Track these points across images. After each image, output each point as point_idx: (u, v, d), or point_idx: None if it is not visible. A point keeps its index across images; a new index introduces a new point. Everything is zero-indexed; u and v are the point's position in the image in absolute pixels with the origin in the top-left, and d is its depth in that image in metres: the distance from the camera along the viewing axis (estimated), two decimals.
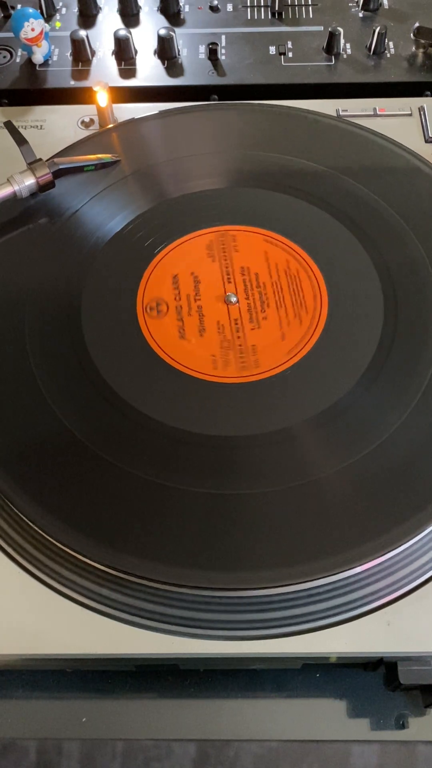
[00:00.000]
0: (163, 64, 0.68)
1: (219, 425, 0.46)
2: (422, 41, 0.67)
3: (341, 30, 0.67)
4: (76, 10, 0.72)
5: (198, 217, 0.55)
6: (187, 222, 0.55)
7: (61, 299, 0.51)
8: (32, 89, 0.67)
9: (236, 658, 0.42)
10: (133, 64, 0.68)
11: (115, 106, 0.63)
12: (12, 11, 0.69)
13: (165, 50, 0.68)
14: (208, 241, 0.54)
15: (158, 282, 0.52)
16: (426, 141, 0.61)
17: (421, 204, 0.55)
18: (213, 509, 0.43)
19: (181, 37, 0.69)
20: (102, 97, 0.61)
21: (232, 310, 0.51)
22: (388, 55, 0.68)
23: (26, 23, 0.64)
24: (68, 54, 0.68)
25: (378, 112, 0.63)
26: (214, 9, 0.71)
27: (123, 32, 0.67)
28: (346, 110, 0.63)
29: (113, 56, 0.68)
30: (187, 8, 0.72)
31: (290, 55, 0.68)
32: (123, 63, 0.68)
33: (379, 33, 0.66)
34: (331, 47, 0.67)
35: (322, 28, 0.69)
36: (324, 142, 0.59)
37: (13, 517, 0.46)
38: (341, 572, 0.41)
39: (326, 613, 0.42)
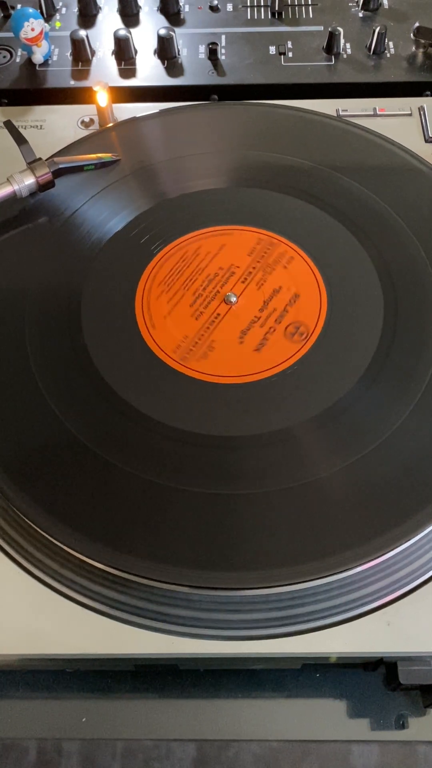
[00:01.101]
0: (163, 64, 0.68)
1: (219, 425, 0.46)
2: (422, 41, 0.67)
3: (341, 30, 0.67)
4: (76, 10, 0.72)
5: (197, 217, 0.55)
6: (187, 222, 0.55)
7: (61, 299, 0.51)
8: (32, 89, 0.67)
9: (236, 658, 0.42)
10: (133, 64, 0.68)
11: (115, 105, 0.63)
12: (12, 11, 0.69)
13: (165, 50, 0.68)
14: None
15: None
16: (426, 141, 0.61)
17: (420, 204, 0.55)
18: (213, 509, 0.43)
19: (181, 37, 0.69)
20: (102, 97, 0.61)
21: (226, 308, 0.51)
22: (388, 55, 0.68)
23: (26, 23, 0.64)
24: (68, 54, 0.68)
25: (378, 112, 0.63)
26: (214, 9, 0.71)
27: (123, 32, 0.67)
28: (346, 110, 0.63)
29: (113, 56, 0.68)
30: (187, 8, 0.72)
31: (290, 55, 0.68)
32: (123, 63, 0.68)
33: (379, 33, 0.66)
34: (331, 47, 0.67)
35: (322, 28, 0.69)
36: (324, 142, 0.59)
37: (14, 517, 0.46)
38: (341, 572, 0.41)
39: (326, 613, 0.42)
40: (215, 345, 0.49)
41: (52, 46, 0.69)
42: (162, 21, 0.71)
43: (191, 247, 0.54)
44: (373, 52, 0.68)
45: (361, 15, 0.71)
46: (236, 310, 0.51)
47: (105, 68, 0.68)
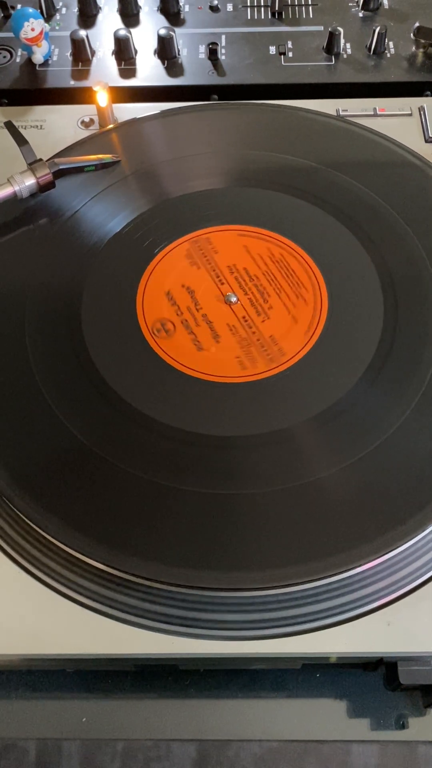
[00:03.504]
0: (163, 64, 0.68)
1: (219, 425, 0.46)
2: (422, 41, 0.67)
3: (341, 30, 0.67)
4: (76, 10, 0.72)
5: (198, 217, 0.55)
6: (187, 222, 0.55)
7: (61, 300, 0.51)
8: (32, 89, 0.67)
9: (236, 658, 0.42)
10: (133, 64, 0.68)
11: (115, 106, 0.63)
12: (12, 11, 0.69)
13: (165, 50, 0.68)
14: (185, 251, 0.54)
15: (155, 300, 0.52)
16: (426, 141, 0.61)
17: (421, 204, 0.55)
18: (213, 509, 0.43)
19: (181, 37, 0.69)
20: (102, 97, 0.61)
21: (236, 309, 0.51)
22: (388, 55, 0.68)
23: (26, 23, 0.64)
24: (68, 54, 0.69)
25: (378, 112, 0.63)
26: (214, 9, 0.71)
27: (123, 32, 0.67)
28: (346, 110, 0.63)
29: (113, 56, 0.68)
30: (187, 8, 0.72)
31: (290, 55, 0.68)
32: (123, 63, 0.68)
33: (379, 33, 0.66)
34: (331, 47, 0.67)
35: (322, 28, 0.69)
36: (324, 142, 0.59)
37: (13, 517, 0.46)
38: (341, 572, 0.41)
39: (326, 613, 0.42)
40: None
41: (52, 46, 0.69)
42: (162, 21, 0.71)
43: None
44: (373, 52, 0.68)
45: (361, 15, 0.71)
46: (240, 308, 0.51)
47: (105, 68, 0.68)
